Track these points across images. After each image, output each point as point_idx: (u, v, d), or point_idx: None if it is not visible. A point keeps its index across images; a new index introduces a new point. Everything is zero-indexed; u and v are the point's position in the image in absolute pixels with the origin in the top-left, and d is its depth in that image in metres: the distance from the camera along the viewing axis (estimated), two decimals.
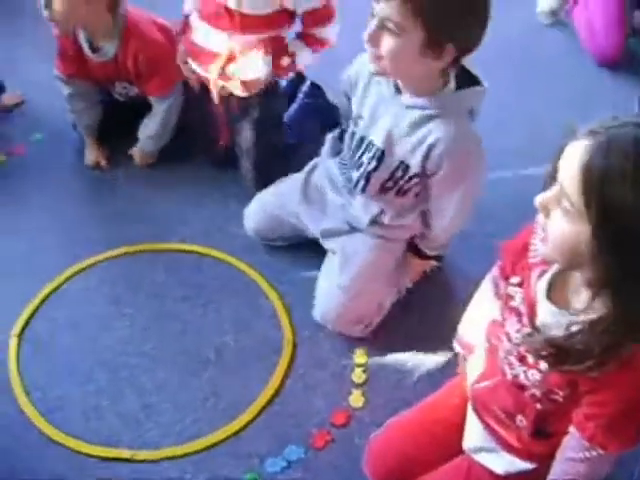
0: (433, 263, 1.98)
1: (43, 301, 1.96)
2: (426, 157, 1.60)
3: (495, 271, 1.38)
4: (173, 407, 1.76)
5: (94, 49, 2.16)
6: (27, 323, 1.91)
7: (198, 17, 2.01)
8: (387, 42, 1.46)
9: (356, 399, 1.77)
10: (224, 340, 1.89)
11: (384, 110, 1.65)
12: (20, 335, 1.88)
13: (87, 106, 2.30)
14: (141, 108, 2.29)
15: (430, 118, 1.58)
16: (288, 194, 2.01)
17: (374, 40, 1.48)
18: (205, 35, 2.00)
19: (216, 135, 2.22)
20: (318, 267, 1.95)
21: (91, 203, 2.28)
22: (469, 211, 1.75)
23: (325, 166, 1.94)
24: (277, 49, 2.00)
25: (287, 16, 1.98)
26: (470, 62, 1.59)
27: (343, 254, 1.87)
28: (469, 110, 1.60)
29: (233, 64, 1.99)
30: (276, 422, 1.73)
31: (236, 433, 1.71)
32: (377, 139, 1.67)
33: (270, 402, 1.76)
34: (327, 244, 1.94)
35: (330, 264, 1.91)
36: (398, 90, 1.62)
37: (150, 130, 2.28)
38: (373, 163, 1.70)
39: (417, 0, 1.40)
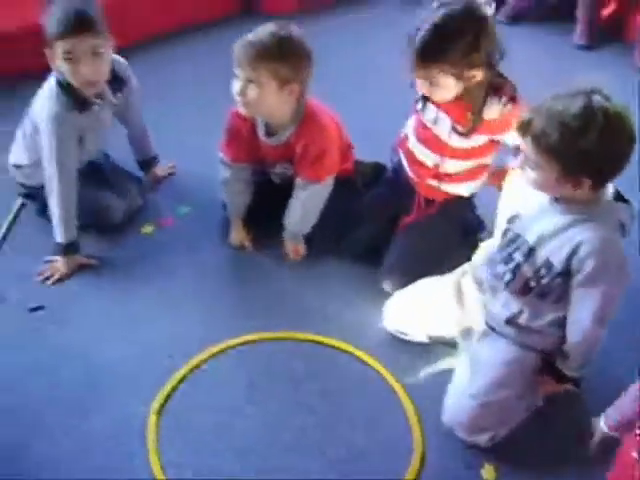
0: (568, 387, 1.95)
1: (183, 378, 2.02)
2: (570, 256, 1.68)
3: None
4: None
5: (269, 133, 2.26)
6: (167, 399, 1.97)
7: (414, 138, 2.21)
8: (529, 172, 1.68)
9: None
10: (355, 439, 1.89)
11: (541, 213, 1.75)
12: (159, 411, 1.94)
13: (242, 189, 2.40)
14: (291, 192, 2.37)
15: (581, 221, 1.67)
16: (434, 295, 2.07)
17: (522, 169, 1.71)
18: (419, 150, 2.22)
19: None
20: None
21: (234, 283, 2.35)
22: (604, 325, 1.74)
23: (475, 269, 2.01)
24: (480, 173, 2.22)
25: (495, 144, 2.15)
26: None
27: (475, 361, 1.90)
28: (620, 223, 1.68)
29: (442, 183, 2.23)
30: None
31: None
32: (530, 238, 1.76)
33: None
34: (462, 346, 1.97)
35: (462, 370, 1.94)
36: (555, 198, 1.73)
37: (294, 215, 2.35)
38: (521, 259, 1.77)
39: (547, 140, 1.59)
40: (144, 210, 2.59)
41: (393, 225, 2.33)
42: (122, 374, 2.05)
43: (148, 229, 2.52)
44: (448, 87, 1.99)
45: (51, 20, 2.13)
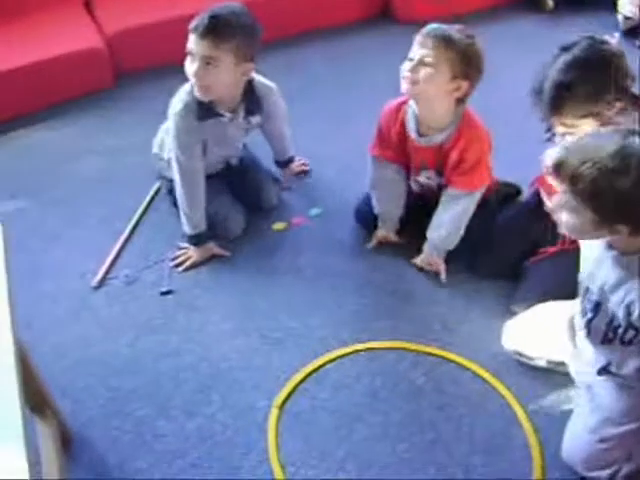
0: None
1: (307, 377, 2.04)
2: (627, 316, 1.60)
3: None
4: None
5: (421, 134, 2.24)
6: (289, 396, 1.99)
7: None
8: (564, 215, 1.59)
9: None
10: (473, 461, 1.86)
11: (600, 263, 1.66)
12: (281, 407, 1.96)
13: (392, 191, 2.38)
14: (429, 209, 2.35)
15: (631, 278, 1.57)
16: (555, 320, 2.02)
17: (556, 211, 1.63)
18: None
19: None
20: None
21: (360, 287, 2.34)
22: None
23: None
24: None
25: None
26: None
27: (592, 395, 1.83)
28: None
29: None
30: None
31: None
32: (594, 290, 1.69)
33: None
34: (578, 379, 1.92)
35: (581, 404, 1.88)
36: (610, 245, 1.63)
37: (442, 227, 2.29)
38: (591, 314, 1.71)
39: (582, 181, 1.48)
40: (278, 208, 2.63)
41: (529, 250, 2.27)
42: (244, 366, 2.08)
43: (280, 226, 2.55)
44: (585, 127, 1.94)
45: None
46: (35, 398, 1.72)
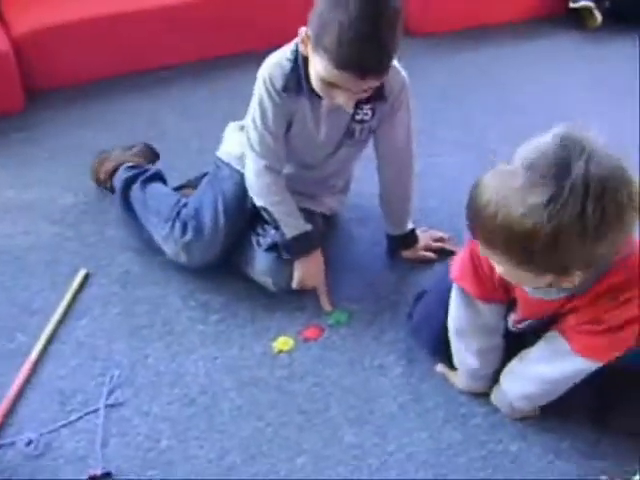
0: None
1: None
2: None
3: None
4: None
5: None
6: None
7: None
8: None
9: None
10: None
11: None
12: None
13: (485, 340, 1.49)
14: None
15: None
16: None
17: None
18: None
19: None
20: None
21: (438, 457, 1.44)
22: None
23: None
24: None
25: None
26: None
27: None
28: None
29: None
30: None
31: None
32: None
33: None
34: None
35: None
36: None
37: (529, 381, 1.45)
38: None
39: None
40: (278, 311, 1.69)
41: None
42: None
43: (284, 345, 1.61)
44: None
45: (332, 26, 1.39)
46: None
